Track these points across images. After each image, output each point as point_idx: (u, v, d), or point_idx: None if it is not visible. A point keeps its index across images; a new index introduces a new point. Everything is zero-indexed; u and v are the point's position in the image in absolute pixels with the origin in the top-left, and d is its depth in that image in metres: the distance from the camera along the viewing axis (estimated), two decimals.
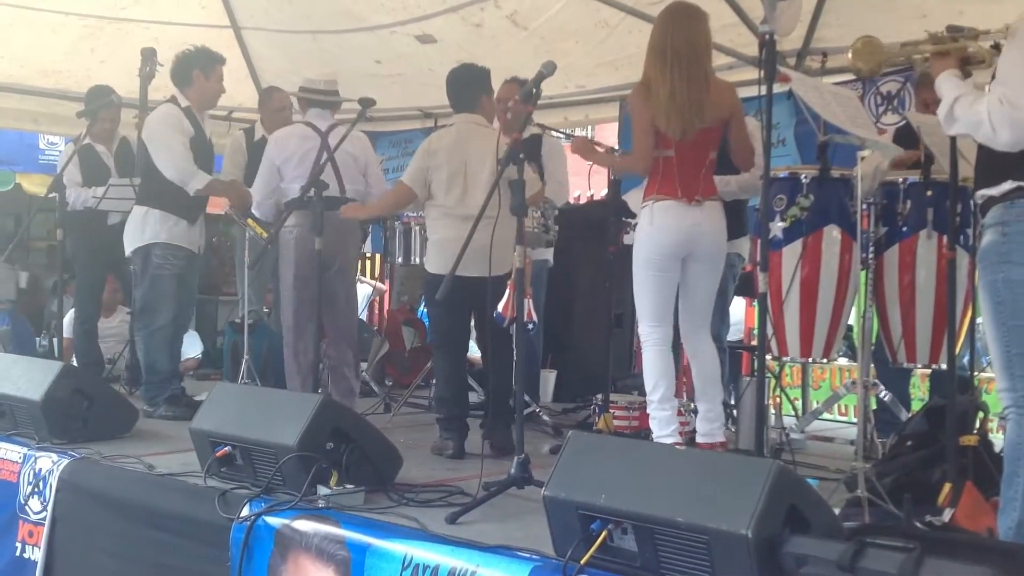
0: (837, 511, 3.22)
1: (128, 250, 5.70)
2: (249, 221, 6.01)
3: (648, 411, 4.27)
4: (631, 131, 4.34)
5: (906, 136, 4.96)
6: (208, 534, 3.52)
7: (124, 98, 6.52)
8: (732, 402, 5.53)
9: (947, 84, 3.07)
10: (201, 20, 7.55)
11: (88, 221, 6.41)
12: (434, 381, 5.41)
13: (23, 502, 4.26)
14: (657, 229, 4.19)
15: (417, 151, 5.00)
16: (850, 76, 6.38)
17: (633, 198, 4.74)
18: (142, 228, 5.61)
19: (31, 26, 7.23)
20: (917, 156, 4.62)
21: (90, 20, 7.34)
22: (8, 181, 9.73)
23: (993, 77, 2.97)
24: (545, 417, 5.66)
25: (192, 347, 7.93)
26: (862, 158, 4.18)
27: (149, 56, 6.57)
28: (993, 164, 2.95)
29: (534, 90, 3.88)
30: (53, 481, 4.15)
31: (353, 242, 5.57)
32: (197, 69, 5.73)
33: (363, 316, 10.62)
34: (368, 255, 10.96)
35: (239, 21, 7.72)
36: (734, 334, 6.61)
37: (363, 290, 10.54)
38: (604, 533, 2.68)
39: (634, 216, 5.49)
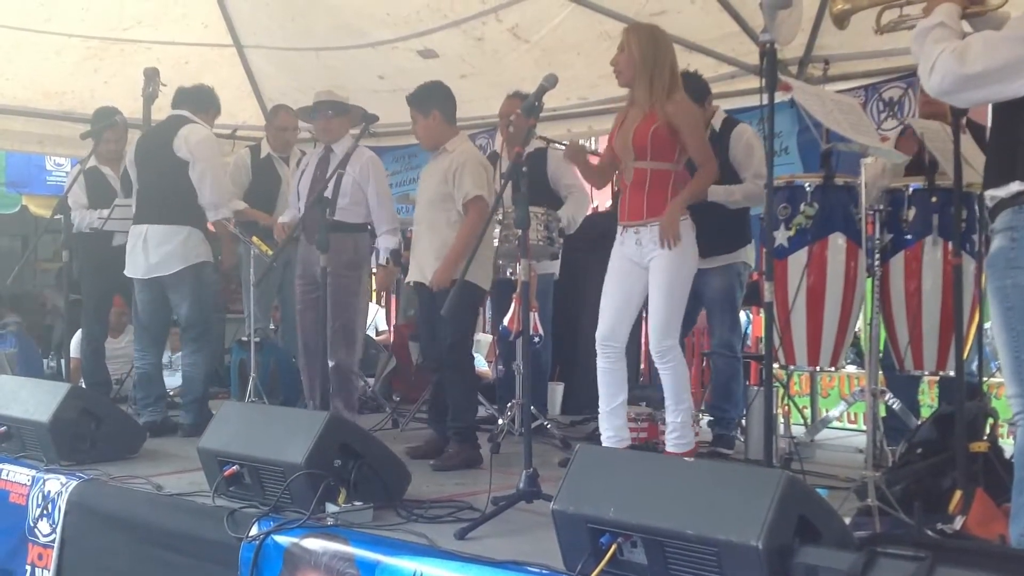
0: (848, 520, 3.21)
1: (171, 270, 5.66)
2: (254, 239, 6.03)
3: (682, 421, 4.29)
4: (697, 142, 4.33)
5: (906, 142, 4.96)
6: (217, 553, 3.51)
7: (128, 119, 6.54)
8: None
9: (943, 10, 3.00)
10: (204, 39, 7.60)
11: (94, 242, 6.41)
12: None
13: (32, 525, 4.26)
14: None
15: (478, 166, 5.03)
16: (852, 84, 6.40)
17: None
18: (190, 247, 5.67)
19: (35, 48, 7.27)
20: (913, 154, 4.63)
21: (93, 41, 7.38)
22: (14, 203, 9.77)
23: None
24: (553, 430, 5.64)
25: None
26: (866, 165, 4.17)
27: (152, 76, 6.58)
28: (1000, 163, 2.93)
29: (536, 103, 3.89)
30: (62, 503, 4.15)
31: None
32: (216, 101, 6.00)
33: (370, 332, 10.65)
34: (374, 270, 10.98)
35: (241, 39, 7.75)
36: None
37: (370, 308, 10.57)
38: (614, 547, 2.67)
39: None
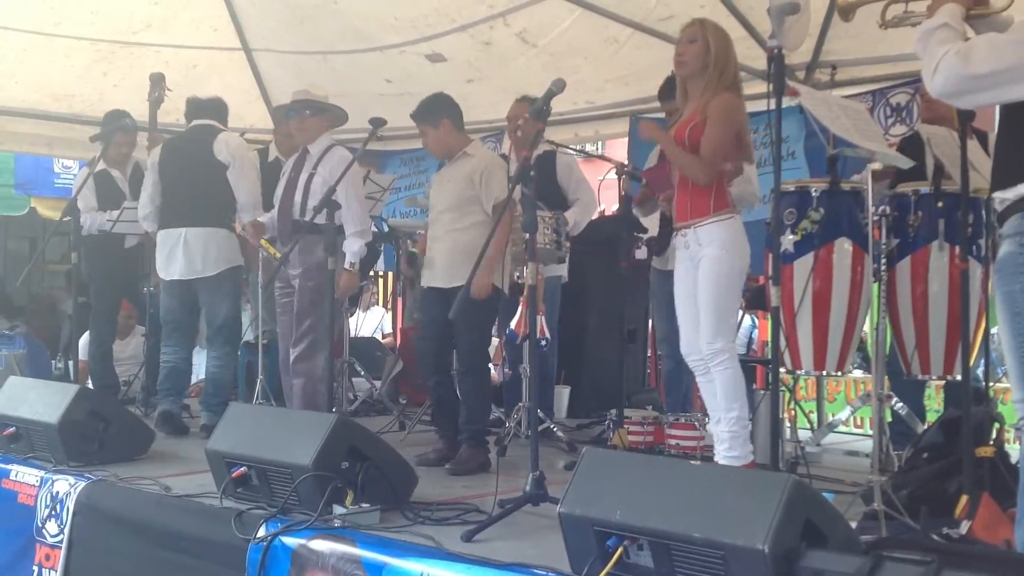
0: (854, 524, 3.21)
1: (215, 271, 5.70)
2: (262, 241, 6.04)
3: (730, 431, 4.06)
4: (713, 135, 4.10)
5: (911, 147, 4.95)
6: (225, 555, 3.52)
7: (138, 121, 6.56)
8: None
9: (947, 11, 2.97)
10: (213, 43, 7.63)
11: (104, 244, 6.44)
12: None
13: (40, 525, 4.27)
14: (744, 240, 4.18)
15: (503, 170, 5.06)
16: (860, 88, 6.41)
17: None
18: (230, 250, 5.77)
19: (44, 51, 7.31)
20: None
21: (102, 44, 7.42)
22: (23, 206, 9.81)
23: None
24: (559, 433, 5.65)
25: None
26: (872, 171, 4.18)
27: (158, 81, 6.61)
28: (1008, 164, 2.93)
29: (544, 107, 3.89)
30: (70, 504, 4.17)
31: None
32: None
33: (376, 335, 10.70)
34: (381, 273, 11.01)
35: (250, 43, 7.79)
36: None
37: (377, 312, 10.62)
38: (620, 549, 2.68)
39: (646, 231, 5.50)
